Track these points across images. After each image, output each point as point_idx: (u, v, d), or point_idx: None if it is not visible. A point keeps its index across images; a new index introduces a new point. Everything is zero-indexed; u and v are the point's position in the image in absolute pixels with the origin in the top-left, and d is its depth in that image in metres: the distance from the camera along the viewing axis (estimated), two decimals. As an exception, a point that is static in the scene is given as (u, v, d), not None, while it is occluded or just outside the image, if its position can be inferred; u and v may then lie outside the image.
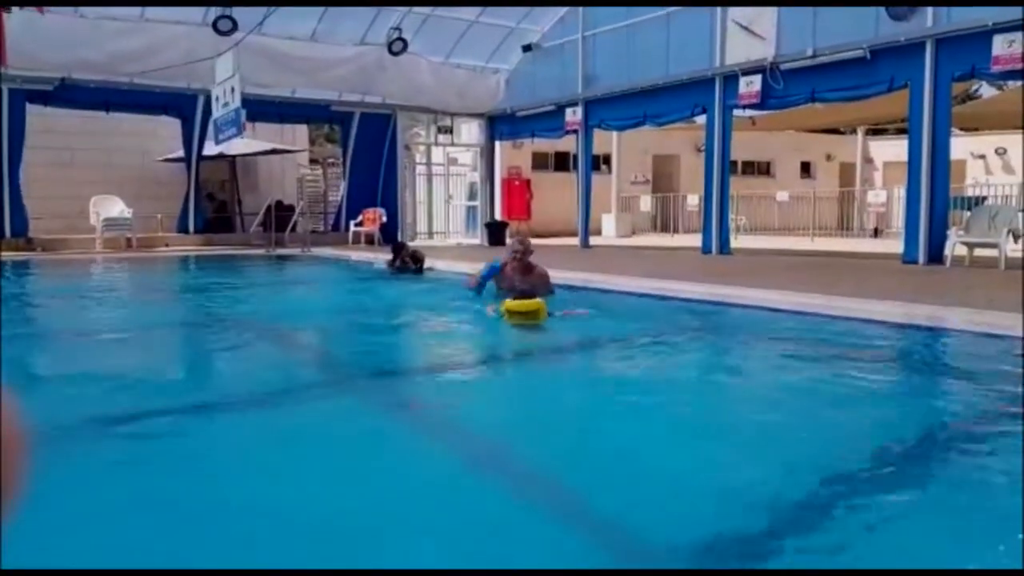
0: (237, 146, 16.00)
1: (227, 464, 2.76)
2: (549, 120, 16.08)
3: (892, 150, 23.52)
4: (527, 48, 16.30)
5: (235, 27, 12.86)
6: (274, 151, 18.09)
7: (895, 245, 11.64)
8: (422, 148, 20.07)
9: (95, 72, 13.52)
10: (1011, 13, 9.06)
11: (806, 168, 27.35)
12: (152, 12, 13.16)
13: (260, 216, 15.04)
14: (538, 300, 5.51)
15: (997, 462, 2.71)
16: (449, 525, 2.16)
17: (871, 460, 2.68)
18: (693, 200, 19.58)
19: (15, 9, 11.66)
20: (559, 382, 4.33)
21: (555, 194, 20.13)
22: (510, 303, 5.44)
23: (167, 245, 14.75)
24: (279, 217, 14.75)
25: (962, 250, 10.06)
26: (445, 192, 20.15)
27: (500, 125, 17.78)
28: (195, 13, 13.35)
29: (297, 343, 5.81)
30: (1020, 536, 1.88)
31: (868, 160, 26.71)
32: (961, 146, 20.23)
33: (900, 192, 12.40)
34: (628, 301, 7.25)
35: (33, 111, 13.59)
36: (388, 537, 2.07)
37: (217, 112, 12.98)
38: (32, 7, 11.71)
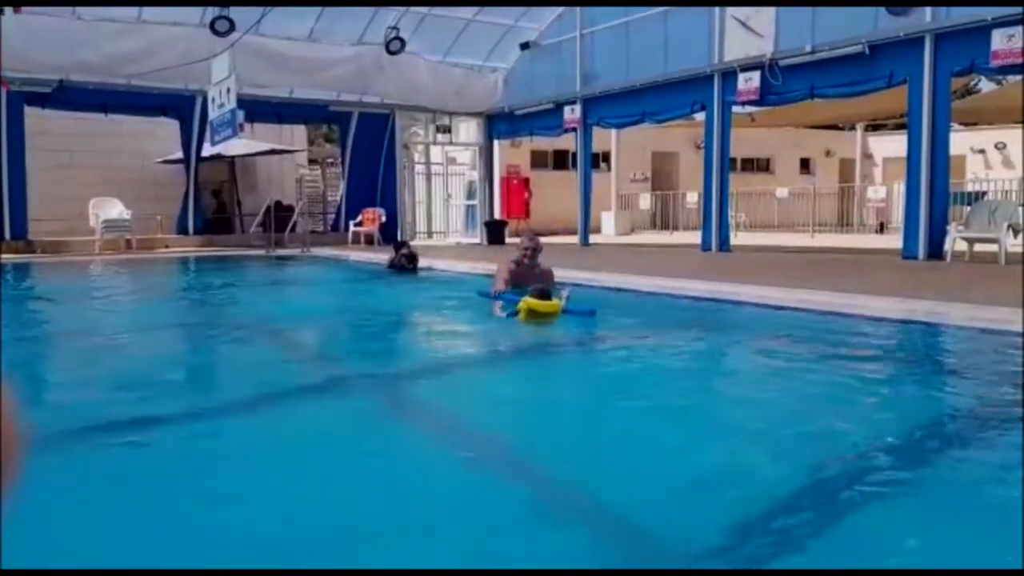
0: (236, 147, 16.00)
1: (227, 464, 2.76)
2: (548, 118, 16.06)
3: (892, 146, 23.49)
4: (525, 46, 16.29)
5: (232, 28, 12.84)
6: (273, 151, 18.07)
7: (895, 241, 11.63)
8: (421, 147, 20.07)
9: (93, 74, 13.50)
10: (1010, 9, 9.04)
11: (805, 164, 27.33)
12: (149, 13, 13.14)
13: (259, 217, 15.03)
14: (556, 303, 5.45)
15: (997, 460, 2.70)
16: (454, 524, 2.16)
17: (860, 458, 2.68)
18: (692, 197, 19.56)
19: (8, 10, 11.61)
20: (569, 379, 4.33)
21: (554, 192, 20.11)
22: (532, 302, 5.34)
23: (167, 246, 14.75)
24: (278, 217, 14.74)
25: (962, 245, 10.05)
26: (444, 191, 20.14)
27: (499, 124, 17.76)
28: (193, 14, 13.34)
29: (297, 343, 5.80)
30: (1020, 536, 1.88)
31: (868, 156, 26.69)
32: (961, 141, 20.20)
33: (900, 188, 12.39)
34: (630, 299, 7.24)
35: (31, 113, 13.59)
36: (388, 538, 2.06)
37: (213, 113, 12.97)
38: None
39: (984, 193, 15.78)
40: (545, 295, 5.46)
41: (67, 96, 13.68)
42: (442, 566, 1.89)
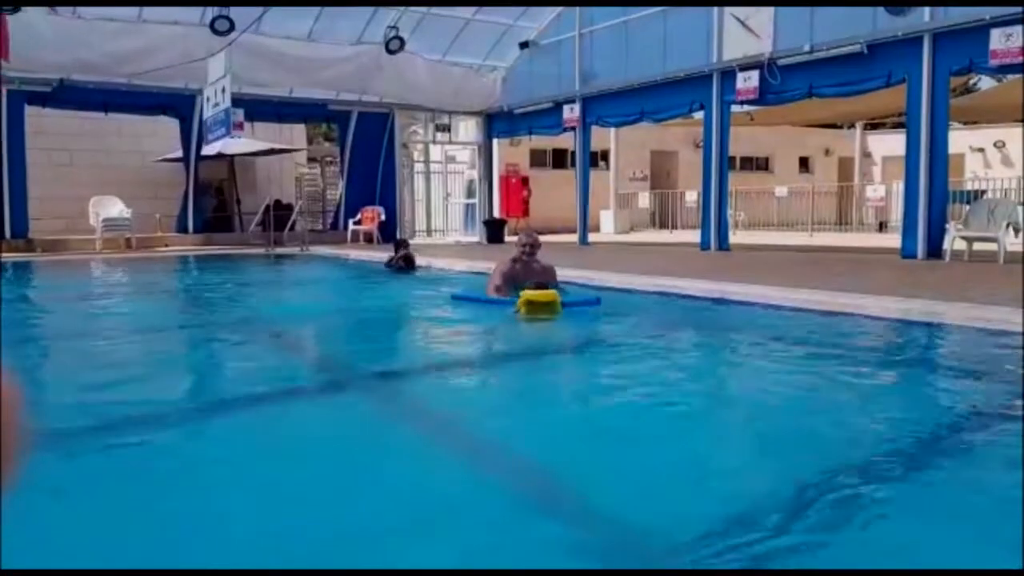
0: (235, 146, 16.01)
1: (226, 464, 2.77)
2: (547, 117, 16.06)
3: (890, 144, 23.51)
4: (524, 45, 16.29)
5: (232, 27, 12.84)
6: (272, 150, 18.06)
7: (894, 240, 11.64)
8: (420, 146, 20.06)
9: (93, 73, 13.50)
10: (1008, 9, 9.05)
11: (804, 163, 27.35)
12: (150, 13, 13.15)
13: (259, 215, 15.03)
14: (553, 291, 5.46)
15: (997, 458, 2.71)
16: (454, 524, 2.17)
17: (859, 458, 2.69)
18: (691, 196, 19.57)
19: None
20: (569, 379, 4.34)
21: (553, 191, 20.11)
22: (529, 292, 5.36)
23: (167, 245, 14.75)
24: (278, 216, 14.74)
25: (961, 244, 10.06)
26: (443, 190, 20.14)
27: (498, 123, 17.76)
28: (193, 13, 13.34)
29: (297, 343, 5.81)
30: (1020, 536, 1.89)
31: (867, 155, 26.70)
32: (960, 140, 20.22)
33: (899, 187, 12.40)
34: (633, 298, 7.25)
35: (32, 112, 13.58)
36: (388, 538, 2.08)
37: (208, 112, 12.96)
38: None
39: (983, 192, 15.80)
40: (542, 288, 5.47)
41: (67, 95, 13.68)
42: (442, 566, 1.91)
